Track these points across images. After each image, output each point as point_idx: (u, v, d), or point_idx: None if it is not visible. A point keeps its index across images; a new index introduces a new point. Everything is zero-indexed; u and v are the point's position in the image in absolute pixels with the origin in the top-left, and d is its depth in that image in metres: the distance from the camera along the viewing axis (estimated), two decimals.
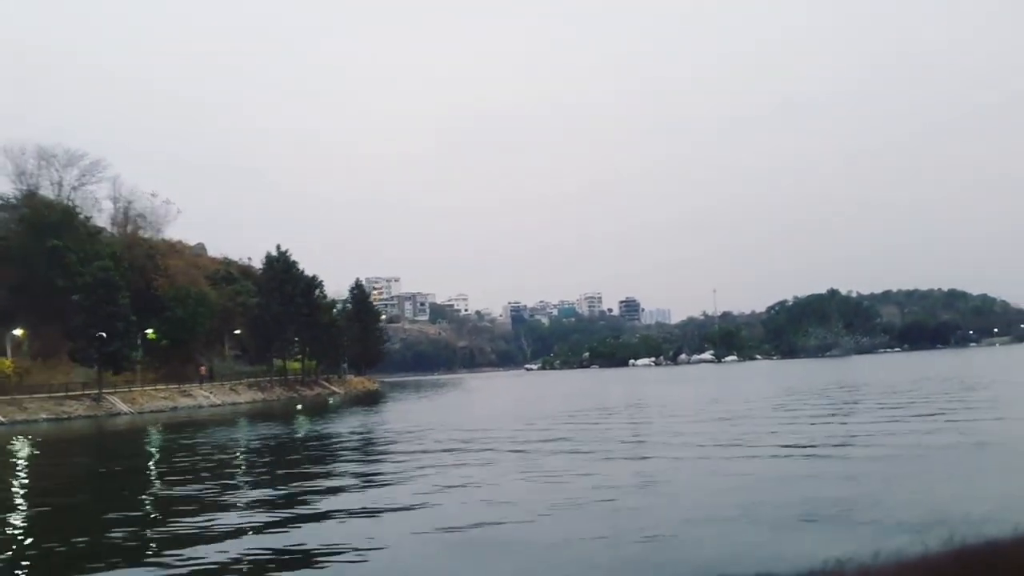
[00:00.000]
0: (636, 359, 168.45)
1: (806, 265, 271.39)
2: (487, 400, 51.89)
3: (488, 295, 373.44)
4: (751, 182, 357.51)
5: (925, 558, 0.64)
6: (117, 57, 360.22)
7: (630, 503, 10.79)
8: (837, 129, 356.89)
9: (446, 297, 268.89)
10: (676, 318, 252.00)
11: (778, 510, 9.53)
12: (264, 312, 69.23)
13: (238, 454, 21.50)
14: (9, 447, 27.96)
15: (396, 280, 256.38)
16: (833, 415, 23.46)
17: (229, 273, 79.47)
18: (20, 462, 23.30)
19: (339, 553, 8.75)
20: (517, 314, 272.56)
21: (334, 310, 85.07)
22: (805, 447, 15.77)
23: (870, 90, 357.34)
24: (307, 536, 9.66)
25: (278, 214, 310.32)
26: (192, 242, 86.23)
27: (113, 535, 10.32)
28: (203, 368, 64.92)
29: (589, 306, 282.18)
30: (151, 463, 21.45)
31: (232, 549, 9.06)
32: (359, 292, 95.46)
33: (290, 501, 12.40)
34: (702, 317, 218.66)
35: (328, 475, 15.65)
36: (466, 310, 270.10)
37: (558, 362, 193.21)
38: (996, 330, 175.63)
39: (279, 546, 9.14)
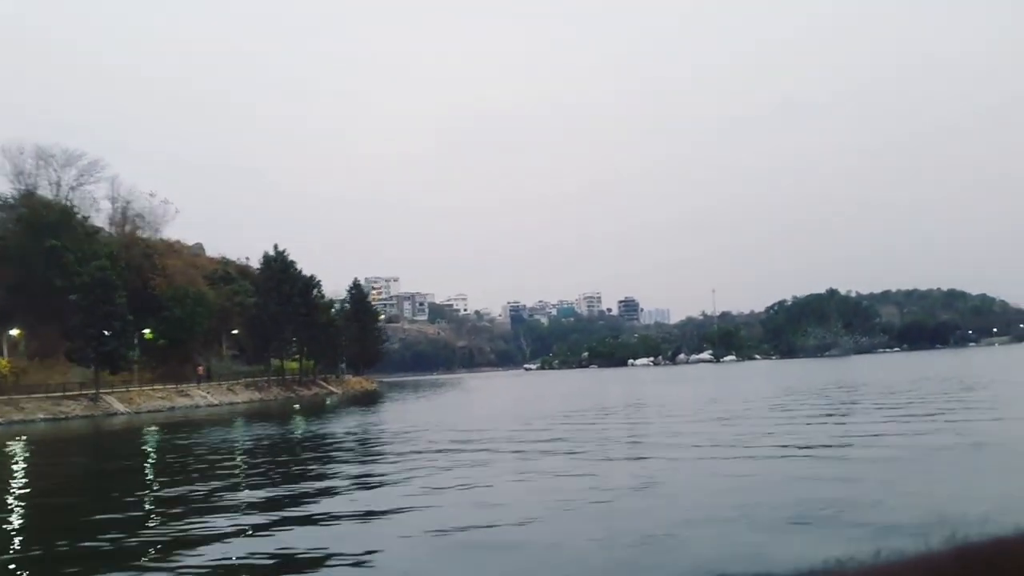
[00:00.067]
0: (635, 359, 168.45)
1: (805, 265, 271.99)
2: (485, 400, 51.76)
3: (487, 295, 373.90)
4: (751, 182, 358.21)
5: (926, 556, 0.64)
6: (117, 56, 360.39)
7: (627, 504, 10.70)
8: (837, 129, 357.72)
9: (445, 297, 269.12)
10: (675, 318, 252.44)
11: (775, 511, 9.44)
12: (262, 312, 69.15)
13: (231, 455, 21.37)
14: (5, 447, 27.84)
15: (395, 280, 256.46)
16: (831, 415, 23.36)
17: (227, 273, 79.40)
18: (15, 462, 23.16)
19: (330, 557, 8.64)
20: (516, 314, 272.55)
21: (332, 310, 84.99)
22: (803, 448, 15.66)
23: (870, 90, 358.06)
24: (298, 539, 9.54)
25: (278, 214, 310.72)
26: (191, 242, 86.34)
27: (103, 538, 10.21)
28: (201, 368, 64.82)
29: (588, 306, 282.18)
30: (145, 464, 21.33)
31: (221, 553, 8.94)
32: (357, 292, 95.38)
33: (283, 503, 12.28)
34: (701, 317, 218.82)
35: (322, 476, 15.52)
36: (465, 310, 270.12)
37: (557, 362, 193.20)
38: (995, 330, 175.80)
39: (269, 550, 9.01)
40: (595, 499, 11.10)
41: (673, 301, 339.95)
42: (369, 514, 10.99)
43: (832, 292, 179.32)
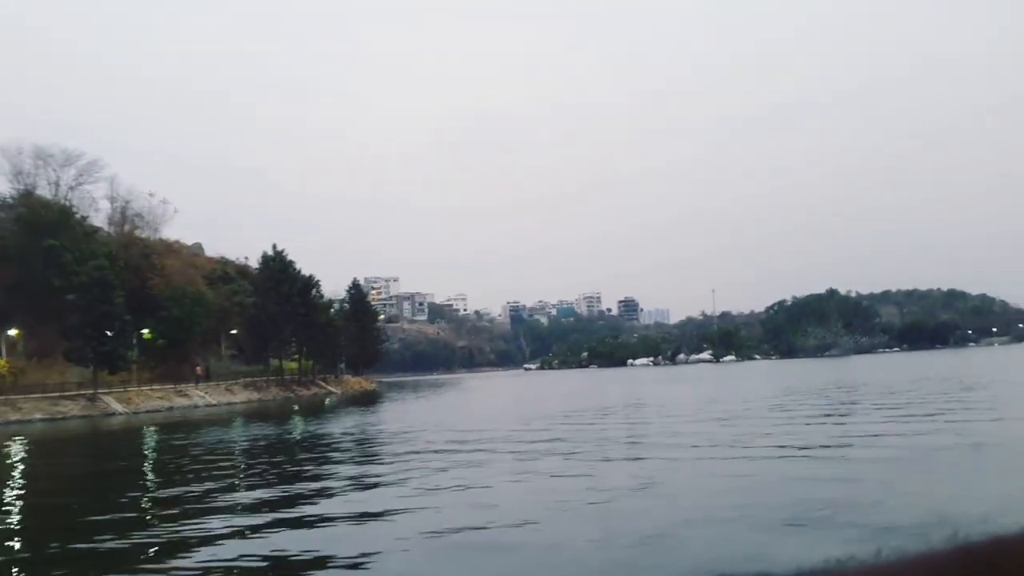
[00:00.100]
0: (634, 359, 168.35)
1: (805, 265, 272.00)
2: (484, 400, 51.69)
3: (487, 295, 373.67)
4: (751, 182, 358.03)
5: (927, 555, 0.64)
6: (117, 56, 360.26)
7: (625, 505, 10.64)
8: (837, 129, 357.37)
9: (445, 297, 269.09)
10: (675, 318, 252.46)
11: (773, 512, 9.38)
12: (260, 312, 69.07)
13: (228, 456, 21.28)
14: (2, 448, 27.73)
15: (395, 280, 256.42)
16: (829, 415, 23.29)
17: (226, 273, 79.35)
18: (10, 463, 23.05)
19: (327, 559, 8.56)
20: (516, 314, 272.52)
21: (331, 310, 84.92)
22: (802, 448, 15.60)
23: (870, 90, 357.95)
24: (294, 541, 9.46)
25: (278, 214, 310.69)
26: (190, 242, 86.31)
27: (96, 540, 10.12)
28: (199, 368, 64.72)
29: (588, 306, 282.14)
30: (141, 465, 21.25)
31: (215, 555, 8.85)
32: (356, 292, 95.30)
33: (279, 504, 12.19)
34: (701, 317, 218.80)
35: (319, 477, 15.43)
36: (465, 310, 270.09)
37: (556, 362, 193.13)
38: (995, 330, 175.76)
39: (265, 552, 8.92)
40: (593, 500, 11.03)
41: (673, 301, 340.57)
42: (366, 515, 10.90)
43: (832, 292, 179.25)
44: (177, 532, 10.33)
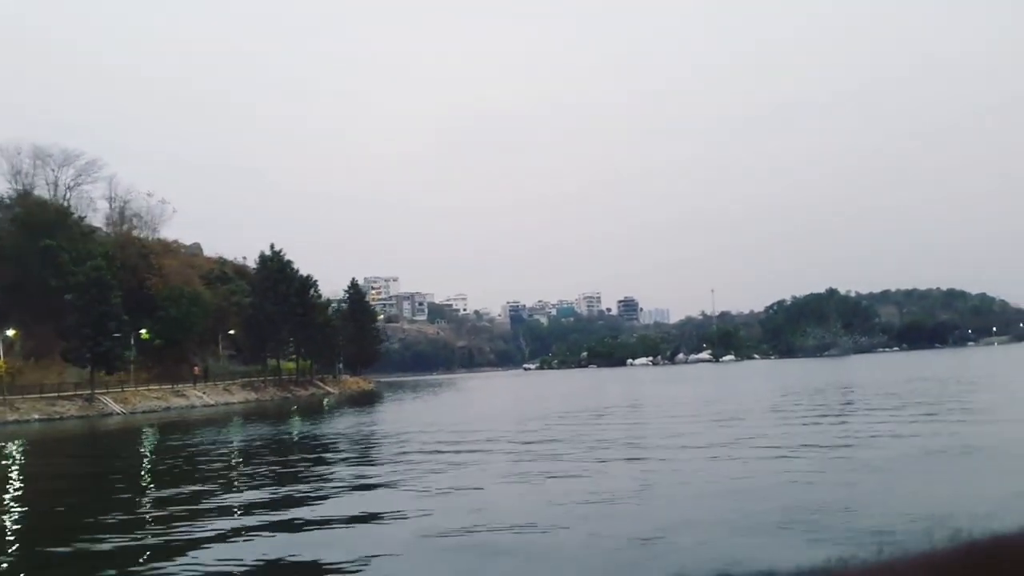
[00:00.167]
0: (634, 359, 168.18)
1: (805, 265, 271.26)
2: (483, 400, 51.62)
3: (487, 295, 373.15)
4: (751, 182, 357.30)
5: (928, 554, 0.64)
6: (117, 56, 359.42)
7: (622, 507, 10.56)
8: (837, 129, 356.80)
9: (445, 297, 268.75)
10: (675, 318, 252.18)
11: (771, 513, 9.37)
12: (258, 312, 68.93)
13: (225, 457, 21.20)
14: None
15: (395, 280, 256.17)
16: (826, 416, 23.21)
17: (224, 273, 79.22)
18: (7, 464, 22.93)
19: (323, 562, 8.49)
20: (516, 314, 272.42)
21: (330, 310, 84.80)
22: (799, 449, 15.57)
23: (870, 90, 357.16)
24: (289, 543, 9.41)
25: (278, 214, 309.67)
26: (190, 242, 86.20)
27: (94, 540, 10.08)
28: (197, 368, 64.61)
29: (588, 306, 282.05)
30: (138, 465, 21.15)
31: (210, 557, 8.80)
32: (355, 292, 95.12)
33: (275, 506, 12.11)
34: (700, 317, 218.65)
35: (314, 479, 15.34)
36: (465, 310, 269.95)
37: (556, 362, 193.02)
38: (995, 329, 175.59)
39: (260, 554, 8.85)
40: (591, 501, 10.96)
41: (673, 301, 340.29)
42: (361, 518, 10.84)
43: (831, 292, 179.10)
44: (173, 533, 10.27)
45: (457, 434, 23.09)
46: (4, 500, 14.60)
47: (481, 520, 10.04)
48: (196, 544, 9.46)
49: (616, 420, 26.51)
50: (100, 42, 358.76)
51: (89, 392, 51.14)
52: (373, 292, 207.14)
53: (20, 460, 24.42)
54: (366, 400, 56.55)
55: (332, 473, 16.01)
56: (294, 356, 75.96)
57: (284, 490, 13.76)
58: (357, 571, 8.11)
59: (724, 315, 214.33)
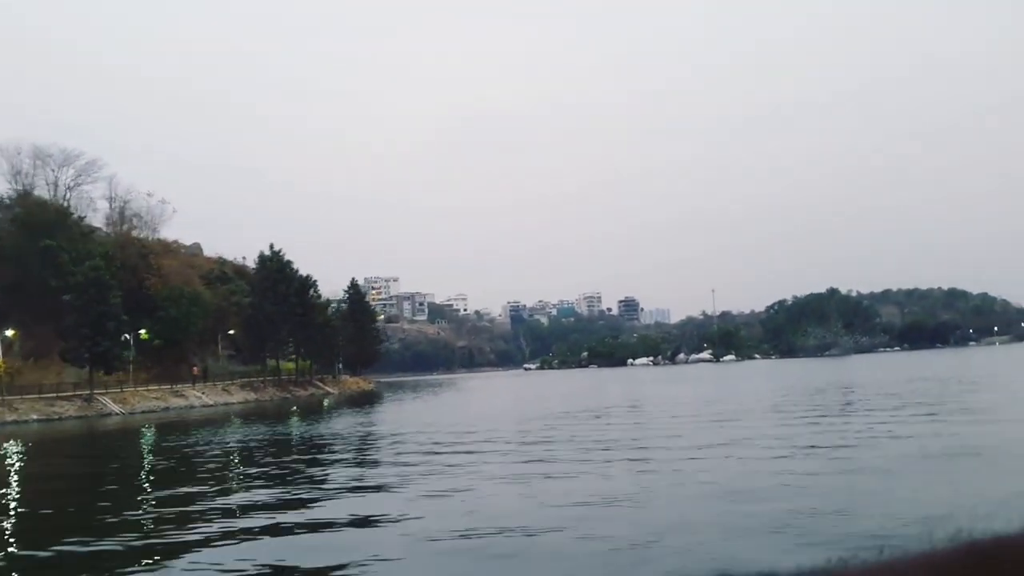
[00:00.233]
0: (634, 359, 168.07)
1: (805, 265, 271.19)
2: (483, 401, 51.52)
3: (487, 295, 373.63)
4: (751, 182, 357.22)
5: (929, 554, 0.64)
6: (117, 56, 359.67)
7: (621, 509, 10.50)
8: (837, 129, 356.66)
9: (445, 297, 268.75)
10: (675, 318, 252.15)
11: (770, 515, 9.32)
12: (257, 312, 68.91)
13: (223, 457, 21.13)
14: None
15: (395, 280, 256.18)
16: (826, 416, 23.14)
17: (223, 273, 79.20)
18: (5, 465, 22.85)
19: (320, 564, 8.42)
20: (516, 314, 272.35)
21: (329, 310, 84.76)
22: (801, 449, 15.53)
23: (870, 90, 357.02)
24: (286, 546, 9.38)
25: (278, 214, 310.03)
26: (190, 242, 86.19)
27: (93, 541, 10.02)
28: (196, 368, 64.58)
29: (588, 306, 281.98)
30: (136, 466, 21.06)
31: (205, 561, 8.76)
32: (355, 292, 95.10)
33: (272, 508, 12.06)
34: (701, 317, 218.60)
35: (312, 480, 15.26)
36: (465, 310, 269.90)
37: (557, 362, 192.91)
38: (996, 329, 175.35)
39: (257, 557, 8.76)
40: (591, 502, 10.89)
41: (673, 301, 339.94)
42: (358, 520, 10.77)
43: (832, 292, 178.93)
44: (171, 535, 10.23)
45: (456, 435, 23.00)
46: (3, 501, 14.53)
47: (478, 522, 9.96)
48: (191, 546, 9.40)
49: (616, 420, 26.43)
50: (100, 42, 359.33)
51: (88, 392, 51.10)
52: (373, 292, 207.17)
53: (19, 461, 24.33)
54: (366, 400, 56.47)
55: (329, 474, 15.92)
56: (294, 356, 75.91)
57: (281, 492, 13.68)
58: (359, 572, 8.05)
59: (725, 315, 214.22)
